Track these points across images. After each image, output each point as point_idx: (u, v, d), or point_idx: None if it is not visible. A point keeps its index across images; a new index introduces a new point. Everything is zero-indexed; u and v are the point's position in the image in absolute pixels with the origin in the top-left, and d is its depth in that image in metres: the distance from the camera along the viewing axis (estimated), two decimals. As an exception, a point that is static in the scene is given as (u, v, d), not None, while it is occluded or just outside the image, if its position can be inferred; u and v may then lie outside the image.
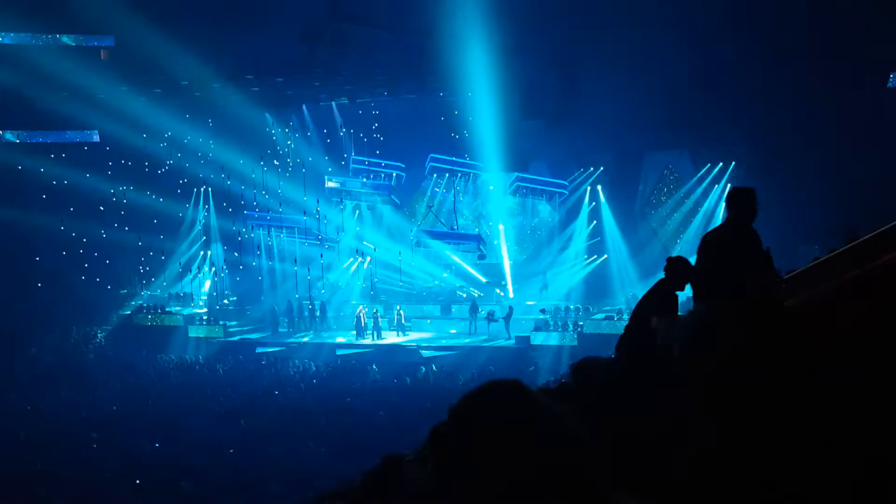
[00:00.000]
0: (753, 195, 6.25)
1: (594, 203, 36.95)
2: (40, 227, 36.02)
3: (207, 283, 41.63)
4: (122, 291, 41.35)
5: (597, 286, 35.48)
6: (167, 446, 20.99)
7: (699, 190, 35.04)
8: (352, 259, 39.54)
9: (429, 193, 39.54)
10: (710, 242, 6.27)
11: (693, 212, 35.14)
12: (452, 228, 36.57)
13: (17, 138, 38.73)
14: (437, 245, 36.21)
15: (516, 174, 36.54)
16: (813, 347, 2.81)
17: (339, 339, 35.33)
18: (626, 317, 31.52)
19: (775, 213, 30.19)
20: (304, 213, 37.04)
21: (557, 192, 37.17)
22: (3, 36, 35.93)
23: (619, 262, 35.54)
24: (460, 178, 38.17)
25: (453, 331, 35.40)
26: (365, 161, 38.23)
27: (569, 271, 37.03)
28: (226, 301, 39.78)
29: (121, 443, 21.48)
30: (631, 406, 3.57)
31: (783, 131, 28.64)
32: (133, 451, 20.59)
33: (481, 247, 35.03)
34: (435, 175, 38.36)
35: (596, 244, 36.88)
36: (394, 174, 38.91)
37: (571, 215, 37.66)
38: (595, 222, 37.04)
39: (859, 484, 1.99)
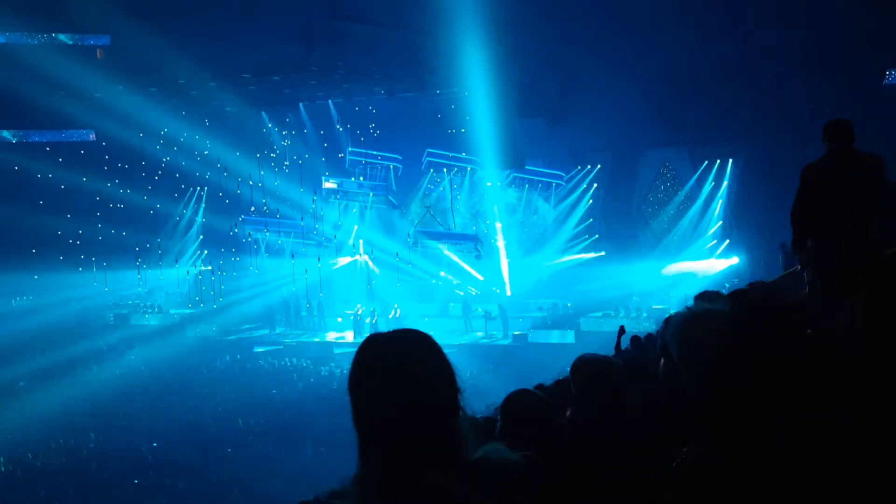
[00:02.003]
0: (848, 124, 6.17)
1: (592, 201, 36.91)
2: (37, 226, 35.94)
3: (204, 282, 41.47)
4: (118, 290, 41.28)
5: (594, 284, 35.42)
6: (165, 446, 20.96)
7: (700, 188, 34.97)
8: (349, 258, 39.48)
9: (423, 189, 39.44)
10: (809, 172, 6.29)
11: (691, 209, 35.08)
12: (449, 228, 36.54)
13: (14, 137, 38.68)
14: (434, 245, 36.21)
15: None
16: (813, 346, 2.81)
17: (337, 338, 35.34)
18: (622, 314, 31.60)
19: (772, 210, 30.36)
20: (302, 218, 37.06)
21: (555, 182, 37.21)
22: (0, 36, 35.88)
23: (616, 260, 35.48)
24: (456, 173, 38.17)
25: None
26: (362, 153, 38.29)
27: (566, 267, 36.97)
28: (222, 299, 39.69)
29: (119, 443, 21.47)
30: (629, 405, 3.56)
31: (781, 129, 28.64)
32: (131, 451, 20.57)
33: (478, 246, 35.01)
34: (432, 170, 38.35)
35: (594, 242, 36.81)
36: (391, 166, 38.93)
37: (569, 212, 37.60)
38: (592, 219, 37.01)
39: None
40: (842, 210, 5.92)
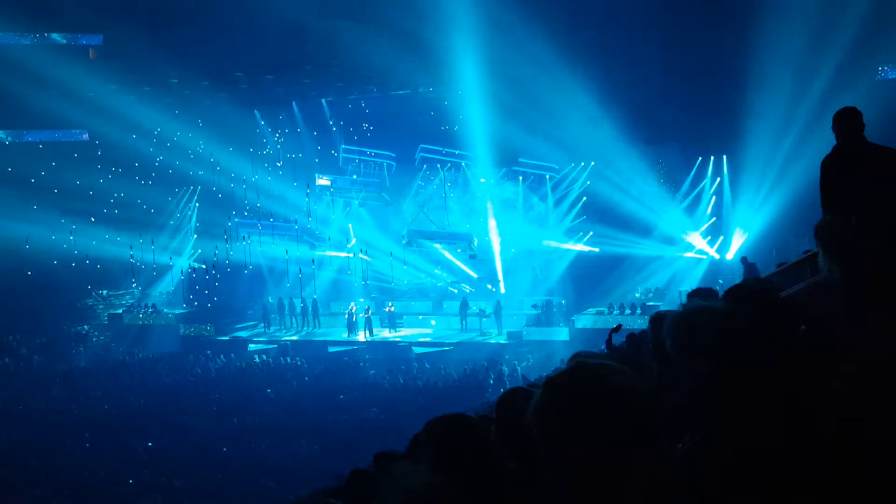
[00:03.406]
0: (855, 111, 6.25)
1: (585, 198, 36.86)
2: (30, 224, 35.89)
3: (198, 281, 41.38)
4: (112, 290, 41.27)
5: (589, 281, 35.43)
6: (160, 445, 20.95)
7: (694, 185, 34.97)
8: (343, 255, 39.41)
9: (416, 187, 39.36)
10: (827, 161, 6.25)
11: (685, 206, 35.06)
12: (443, 227, 36.46)
13: (8, 137, 38.60)
14: (428, 244, 36.18)
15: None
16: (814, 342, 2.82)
17: (331, 337, 35.36)
18: (616, 312, 31.64)
19: (767, 206, 30.44)
20: (296, 222, 37.08)
21: (548, 174, 37.19)
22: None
23: (611, 257, 35.46)
24: (450, 169, 38.13)
25: (433, 321, 35.76)
26: (355, 150, 38.36)
27: (560, 265, 36.94)
28: (216, 299, 39.64)
29: (114, 442, 21.45)
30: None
31: (775, 125, 28.70)
32: (126, 451, 20.55)
33: (472, 245, 34.95)
34: (425, 166, 38.34)
35: (587, 239, 36.73)
36: (384, 163, 38.96)
37: (563, 210, 37.54)
38: (585, 216, 36.93)
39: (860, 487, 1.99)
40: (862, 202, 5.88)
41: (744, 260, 21.83)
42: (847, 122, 6.20)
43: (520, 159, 36.82)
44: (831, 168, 6.22)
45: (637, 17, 29.27)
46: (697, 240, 34.20)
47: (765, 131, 29.68)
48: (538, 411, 1.84)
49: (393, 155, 38.72)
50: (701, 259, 34.18)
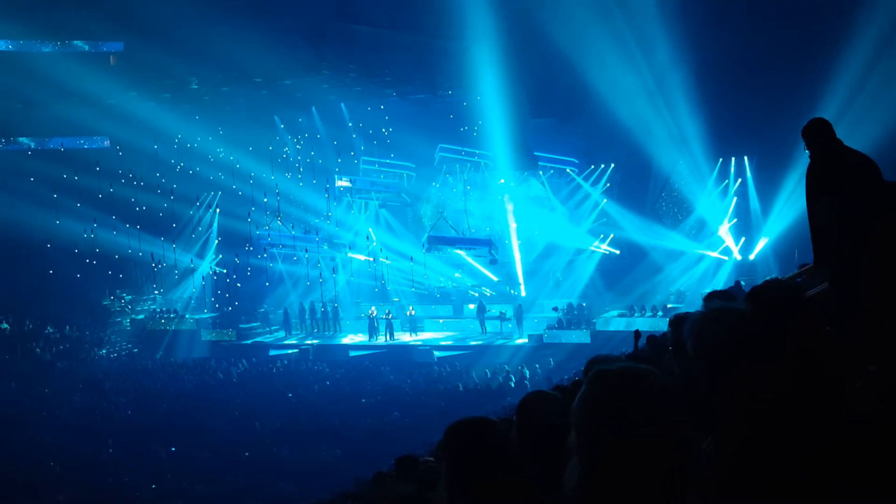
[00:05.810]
0: (824, 121, 6.26)
1: (605, 199, 36.75)
2: (53, 232, 36.20)
3: (219, 286, 41.56)
4: (134, 296, 41.55)
5: (610, 283, 35.34)
6: (183, 450, 21.03)
7: (715, 186, 34.77)
8: (363, 258, 39.47)
9: (436, 191, 39.33)
10: (807, 171, 6.34)
11: (705, 207, 34.86)
12: (463, 231, 36.38)
13: (32, 144, 38.95)
14: (448, 250, 36.16)
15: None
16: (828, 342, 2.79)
17: (352, 341, 35.44)
18: (638, 314, 31.50)
19: (790, 206, 30.20)
20: (317, 233, 37.23)
21: (567, 168, 37.15)
22: (13, 44, 36.09)
23: (631, 258, 35.36)
24: (469, 169, 38.11)
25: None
26: (375, 161, 38.43)
27: (582, 267, 36.88)
28: (237, 303, 39.79)
29: (136, 447, 21.55)
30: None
31: (797, 124, 28.43)
32: (149, 456, 20.64)
33: (492, 251, 34.88)
34: (444, 167, 38.33)
35: (609, 241, 36.61)
36: (404, 174, 39.07)
37: (584, 211, 37.43)
38: (606, 219, 36.82)
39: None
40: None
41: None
42: (813, 133, 6.31)
43: (536, 153, 36.65)
44: (810, 177, 6.33)
45: (658, 17, 29.14)
46: (726, 234, 33.96)
47: (786, 131, 29.39)
48: (586, 399, 1.89)
49: (412, 165, 38.78)
50: (723, 261, 33.97)
